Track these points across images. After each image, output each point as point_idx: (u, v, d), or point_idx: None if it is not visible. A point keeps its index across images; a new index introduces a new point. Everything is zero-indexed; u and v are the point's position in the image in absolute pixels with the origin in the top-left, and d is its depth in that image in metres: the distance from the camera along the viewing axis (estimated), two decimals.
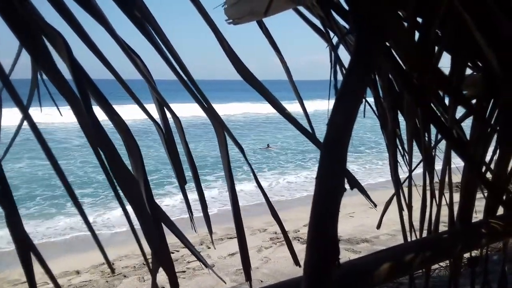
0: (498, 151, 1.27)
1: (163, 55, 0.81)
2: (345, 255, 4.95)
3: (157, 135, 0.89)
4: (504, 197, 1.40)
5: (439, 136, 1.30)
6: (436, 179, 1.37)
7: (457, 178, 1.37)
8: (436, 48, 1.11)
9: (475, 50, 0.99)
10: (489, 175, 1.36)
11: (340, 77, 1.28)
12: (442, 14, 0.99)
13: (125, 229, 6.39)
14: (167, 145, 0.86)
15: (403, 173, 1.47)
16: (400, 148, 1.47)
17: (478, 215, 1.44)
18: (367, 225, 6.07)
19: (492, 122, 1.21)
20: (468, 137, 1.29)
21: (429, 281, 1.47)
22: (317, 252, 0.83)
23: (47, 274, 0.61)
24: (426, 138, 1.27)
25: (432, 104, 1.24)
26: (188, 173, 0.94)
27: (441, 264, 3.31)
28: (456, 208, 1.36)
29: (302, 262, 0.84)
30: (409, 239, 1.42)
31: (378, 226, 1.70)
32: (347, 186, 1.03)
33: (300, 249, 0.96)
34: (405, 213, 1.42)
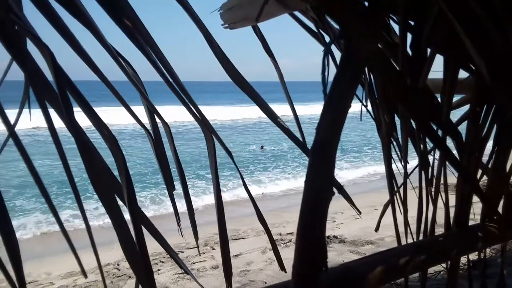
0: (494, 155, 1.26)
1: (151, 59, 0.82)
2: (350, 257, 4.94)
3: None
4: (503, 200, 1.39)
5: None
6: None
7: (454, 178, 1.36)
8: (429, 50, 1.11)
9: (467, 53, 0.99)
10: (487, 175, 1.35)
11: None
12: (433, 18, 0.99)
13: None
14: (156, 151, 0.87)
15: (400, 175, 1.47)
16: (397, 150, 1.47)
17: (477, 217, 1.43)
18: (372, 227, 6.03)
19: (487, 126, 1.21)
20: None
21: (426, 284, 1.46)
22: (305, 256, 0.84)
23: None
24: (422, 146, 1.27)
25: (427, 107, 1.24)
26: (189, 177, 0.95)
27: (444, 265, 3.28)
28: (453, 211, 1.36)
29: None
30: (406, 242, 1.41)
31: (377, 229, 1.70)
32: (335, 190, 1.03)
33: None
34: (403, 215, 1.42)
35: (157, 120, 0.91)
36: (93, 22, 0.80)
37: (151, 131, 0.88)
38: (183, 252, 5.47)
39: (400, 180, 1.42)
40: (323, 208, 0.84)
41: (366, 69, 1.23)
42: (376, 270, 1.11)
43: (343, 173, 11.21)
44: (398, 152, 1.46)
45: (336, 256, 5.02)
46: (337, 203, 1.30)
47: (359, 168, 12.10)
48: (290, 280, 0.87)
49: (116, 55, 0.85)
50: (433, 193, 1.35)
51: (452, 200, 1.34)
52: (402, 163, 1.38)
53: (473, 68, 1.14)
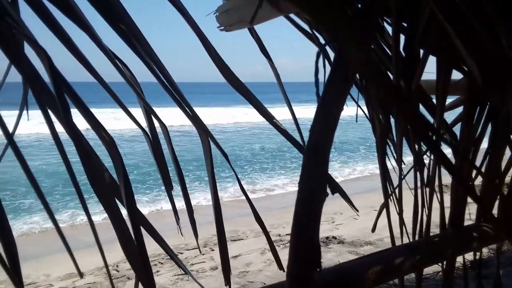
0: (488, 156, 1.27)
1: (146, 62, 0.83)
2: (349, 258, 4.93)
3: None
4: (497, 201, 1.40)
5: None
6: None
7: (450, 178, 1.37)
8: (422, 51, 1.13)
9: (460, 54, 1.00)
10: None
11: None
12: (426, 19, 1.00)
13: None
14: (154, 152, 0.88)
15: (396, 176, 1.48)
16: (392, 151, 1.48)
17: (473, 217, 1.44)
18: (370, 228, 6.03)
19: (481, 127, 1.22)
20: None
21: (422, 284, 1.47)
22: (299, 257, 0.85)
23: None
24: (416, 147, 1.28)
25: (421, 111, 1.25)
26: (190, 179, 0.96)
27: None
28: (448, 211, 1.37)
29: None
30: (401, 243, 1.42)
31: (373, 230, 1.71)
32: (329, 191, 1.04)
33: None
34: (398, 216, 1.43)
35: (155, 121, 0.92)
36: (90, 24, 0.82)
37: (148, 132, 0.89)
38: (182, 253, 5.47)
39: (395, 181, 1.43)
40: (317, 209, 0.85)
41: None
42: (371, 270, 1.12)
43: (343, 172, 11.27)
44: (394, 153, 1.47)
45: (335, 257, 5.02)
46: (336, 204, 1.32)
47: (358, 167, 12.15)
48: (284, 281, 0.88)
49: (113, 57, 0.87)
50: (428, 194, 1.36)
51: (448, 200, 1.35)
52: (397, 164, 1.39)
53: (466, 69, 1.15)
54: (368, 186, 8.77)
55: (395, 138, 1.42)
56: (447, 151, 1.44)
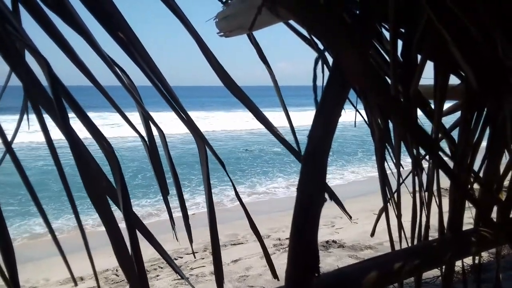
0: (486, 161, 1.28)
1: (145, 71, 0.84)
2: (349, 262, 4.92)
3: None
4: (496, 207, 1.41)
5: None
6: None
7: (448, 182, 1.38)
8: (420, 56, 1.13)
9: (456, 60, 1.01)
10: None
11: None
12: (423, 25, 1.01)
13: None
14: (151, 157, 0.89)
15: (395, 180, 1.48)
16: (391, 155, 1.49)
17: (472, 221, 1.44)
18: (370, 232, 6.03)
19: (478, 132, 1.22)
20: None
21: None
22: (297, 261, 0.85)
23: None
24: (415, 151, 1.28)
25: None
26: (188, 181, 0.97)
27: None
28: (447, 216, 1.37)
29: None
30: (400, 247, 1.42)
31: (372, 234, 1.71)
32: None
33: None
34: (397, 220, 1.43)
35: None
36: (89, 31, 0.82)
37: (146, 138, 0.90)
38: (182, 257, 5.46)
39: (395, 185, 1.43)
40: (315, 214, 0.85)
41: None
42: (370, 275, 1.12)
43: (342, 176, 11.29)
44: (393, 157, 1.47)
45: (335, 261, 5.01)
46: (336, 208, 1.32)
47: (359, 170, 12.16)
48: (283, 286, 0.88)
49: (111, 63, 0.87)
50: (426, 198, 1.37)
51: (447, 204, 1.35)
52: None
53: (463, 74, 1.16)
54: (367, 189, 8.76)
55: (393, 142, 1.43)
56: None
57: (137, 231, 0.74)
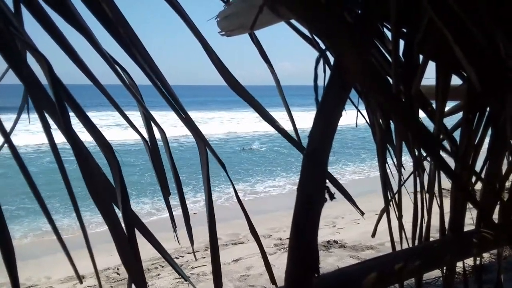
0: (487, 162, 1.27)
1: (146, 73, 0.84)
2: (350, 262, 4.91)
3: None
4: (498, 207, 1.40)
5: None
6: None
7: (450, 182, 1.37)
8: (421, 57, 1.13)
9: (459, 60, 1.00)
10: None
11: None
12: (425, 25, 1.01)
13: None
14: (152, 157, 0.89)
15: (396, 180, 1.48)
16: (392, 156, 1.48)
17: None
18: (372, 232, 6.02)
19: (480, 133, 1.22)
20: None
21: None
22: (298, 262, 0.85)
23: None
24: (416, 151, 1.28)
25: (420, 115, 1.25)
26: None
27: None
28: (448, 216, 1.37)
29: None
30: (401, 248, 1.42)
31: (373, 235, 1.71)
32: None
33: None
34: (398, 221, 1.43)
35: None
36: (90, 30, 0.83)
37: (147, 138, 0.90)
38: (183, 256, 5.47)
39: (396, 185, 1.43)
40: (315, 215, 0.85)
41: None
42: (370, 275, 1.12)
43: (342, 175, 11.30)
44: (394, 158, 1.47)
45: (336, 261, 5.01)
46: (337, 208, 1.32)
47: (361, 170, 12.16)
48: (283, 286, 0.88)
49: (113, 63, 0.87)
50: (427, 198, 1.36)
51: (448, 205, 1.35)
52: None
53: (465, 74, 1.15)
54: (368, 189, 8.75)
55: (395, 143, 1.42)
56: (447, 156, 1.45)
57: (136, 230, 0.74)
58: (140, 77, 1.03)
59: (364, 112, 1.47)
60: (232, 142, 18.74)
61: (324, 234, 6.13)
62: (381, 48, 1.25)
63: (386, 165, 1.44)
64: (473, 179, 1.33)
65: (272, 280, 0.99)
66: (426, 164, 1.43)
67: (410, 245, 1.43)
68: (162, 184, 0.90)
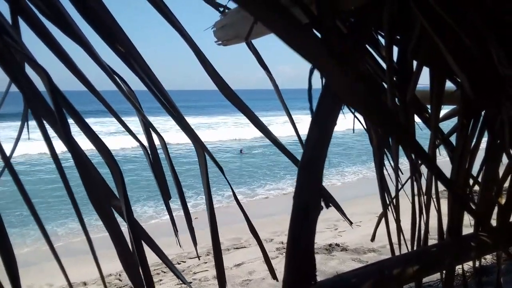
0: (484, 167, 1.28)
1: (144, 82, 0.86)
2: (352, 266, 4.91)
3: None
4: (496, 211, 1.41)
5: None
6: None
7: None
8: (415, 63, 1.14)
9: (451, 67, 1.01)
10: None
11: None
12: (418, 32, 1.02)
13: None
14: (152, 164, 0.91)
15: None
16: (390, 160, 1.49)
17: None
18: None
19: (476, 138, 1.23)
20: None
21: None
22: (294, 269, 0.86)
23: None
24: (413, 156, 1.28)
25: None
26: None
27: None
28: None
29: None
30: (400, 252, 1.43)
31: (372, 239, 1.72)
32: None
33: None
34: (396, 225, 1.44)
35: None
36: (88, 41, 0.84)
37: (146, 145, 0.92)
38: (184, 261, 5.47)
39: (394, 189, 1.44)
40: (311, 223, 0.86)
41: None
42: (368, 281, 1.12)
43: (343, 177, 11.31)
44: (392, 162, 1.48)
45: (338, 264, 5.00)
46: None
47: (362, 172, 12.17)
48: None
49: (111, 73, 0.89)
50: (424, 202, 1.37)
51: (446, 207, 1.36)
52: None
53: (459, 80, 1.16)
54: (369, 191, 8.73)
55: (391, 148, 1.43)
56: (446, 159, 1.45)
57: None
58: (138, 83, 1.04)
59: (361, 118, 1.48)
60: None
61: (326, 237, 6.12)
62: (376, 55, 1.26)
63: (384, 169, 1.45)
64: (470, 183, 1.34)
65: (273, 276, 1.00)
66: (423, 168, 1.43)
67: (409, 248, 1.44)
68: (162, 188, 0.91)
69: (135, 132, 0.89)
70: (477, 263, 1.69)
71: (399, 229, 1.40)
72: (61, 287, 4.93)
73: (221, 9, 1.32)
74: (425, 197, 1.38)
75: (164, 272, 5.10)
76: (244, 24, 1.09)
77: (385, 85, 1.21)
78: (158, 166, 0.95)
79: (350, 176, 11.94)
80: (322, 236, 6.14)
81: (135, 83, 1.01)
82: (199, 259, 5.38)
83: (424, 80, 1.22)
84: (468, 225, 1.39)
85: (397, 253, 1.40)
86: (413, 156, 1.35)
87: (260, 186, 11.04)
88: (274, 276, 1.00)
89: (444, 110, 1.50)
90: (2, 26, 0.76)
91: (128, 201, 0.78)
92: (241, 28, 1.12)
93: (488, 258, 3.48)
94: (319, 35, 0.80)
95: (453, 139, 1.38)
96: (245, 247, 6.09)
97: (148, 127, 0.98)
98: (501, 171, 1.41)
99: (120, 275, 5.06)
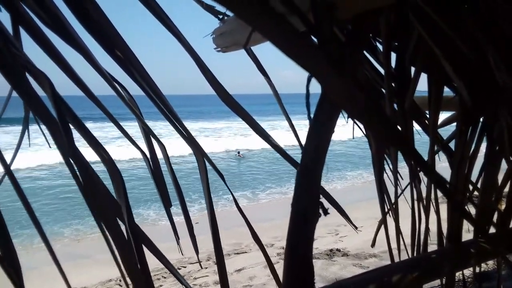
0: (483, 173, 1.28)
1: (144, 89, 0.86)
2: (353, 271, 4.89)
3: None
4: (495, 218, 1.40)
5: None
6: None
7: None
8: (413, 69, 1.15)
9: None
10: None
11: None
12: (415, 40, 1.03)
13: None
14: (152, 171, 0.91)
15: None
16: (390, 166, 1.49)
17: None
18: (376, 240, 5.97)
19: (474, 144, 1.23)
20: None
21: None
22: (293, 277, 0.86)
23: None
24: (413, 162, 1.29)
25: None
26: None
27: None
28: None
29: None
30: (399, 259, 1.42)
31: (373, 245, 1.71)
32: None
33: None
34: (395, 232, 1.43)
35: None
36: (88, 49, 0.85)
37: (147, 152, 0.92)
38: (185, 267, 5.45)
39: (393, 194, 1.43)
40: (309, 230, 0.86)
41: None
42: (369, 287, 1.12)
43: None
44: (391, 168, 1.47)
45: (339, 270, 4.97)
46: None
47: (363, 176, 12.15)
48: None
49: (111, 81, 0.90)
50: (424, 208, 1.37)
51: (445, 213, 1.35)
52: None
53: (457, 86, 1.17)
54: (371, 195, 8.72)
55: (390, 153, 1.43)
56: (445, 165, 1.45)
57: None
58: (137, 88, 1.05)
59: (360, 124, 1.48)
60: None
61: (327, 242, 6.10)
62: (374, 62, 1.26)
63: (384, 173, 1.45)
64: (470, 189, 1.33)
65: (278, 283, 1.00)
66: (422, 174, 1.43)
67: (409, 254, 1.43)
68: (162, 196, 0.91)
69: (135, 138, 0.90)
70: (478, 269, 1.68)
71: (399, 235, 1.40)
72: None
73: (220, 16, 1.33)
74: (424, 202, 1.38)
75: (164, 278, 5.09)
76: (242, 31, 1.10)
77: (384, 92, 1.21)
78: (159, 173, 0.95)
79: (351, 180, 11.93)
80: (323, 241, 6.11)
81: (134, 88, 1.02)
82: (201, 267, 5.37)
83: (422, 86, 1.23)
84: (467, 228, 1.38)
85: (396, 259, 1.40)
86: (412, 162, 1.35)
87: (262, 190, 11.03)
88: (279, 283, 1.00)
89: (443, 116, 1.50)
90: (3, 34, 0.77)
91: (129, 205, 0.79)
92: (240, 35, 1.13)
93: (490, 264, 3.46)
94: (317, 42, 0.81)
95: (452, 145, 1.38)
96: (245, 252, 6.07)
97: (148, 134, 0.98)
98: (500, 177, 1.41)
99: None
